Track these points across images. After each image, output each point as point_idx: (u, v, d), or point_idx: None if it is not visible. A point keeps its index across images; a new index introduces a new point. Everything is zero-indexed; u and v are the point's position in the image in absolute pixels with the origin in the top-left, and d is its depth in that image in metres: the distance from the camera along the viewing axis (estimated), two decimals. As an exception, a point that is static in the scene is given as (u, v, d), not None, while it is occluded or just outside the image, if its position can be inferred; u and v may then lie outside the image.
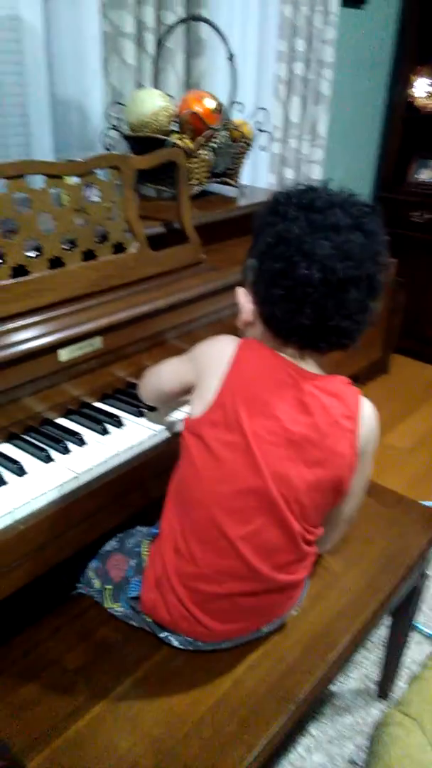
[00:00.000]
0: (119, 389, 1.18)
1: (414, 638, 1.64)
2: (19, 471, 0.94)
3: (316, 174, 2.53)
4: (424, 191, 2.94)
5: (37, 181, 1.03)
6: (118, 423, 1.08)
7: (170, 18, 1.68)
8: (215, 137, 1.50)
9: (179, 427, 1.11)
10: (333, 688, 1.50)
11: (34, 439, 1.02)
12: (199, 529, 0.89)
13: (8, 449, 1.00)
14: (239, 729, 0.87)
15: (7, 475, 0.93)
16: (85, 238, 1.10)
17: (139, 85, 1.70)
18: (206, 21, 1.58)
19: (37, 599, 1.06)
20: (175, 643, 0.97)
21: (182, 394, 1.04)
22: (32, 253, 1.03)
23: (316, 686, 0.95)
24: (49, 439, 1.02)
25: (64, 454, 0.99)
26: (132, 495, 1.04)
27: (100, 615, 1.03)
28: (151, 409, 1.12)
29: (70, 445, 1.01)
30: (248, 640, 0.99)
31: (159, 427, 1.09)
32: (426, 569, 1.28)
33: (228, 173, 1.63)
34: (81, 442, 1.02)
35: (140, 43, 1.66)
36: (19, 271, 1.01)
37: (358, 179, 3.07)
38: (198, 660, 0.96)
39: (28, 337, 0.98)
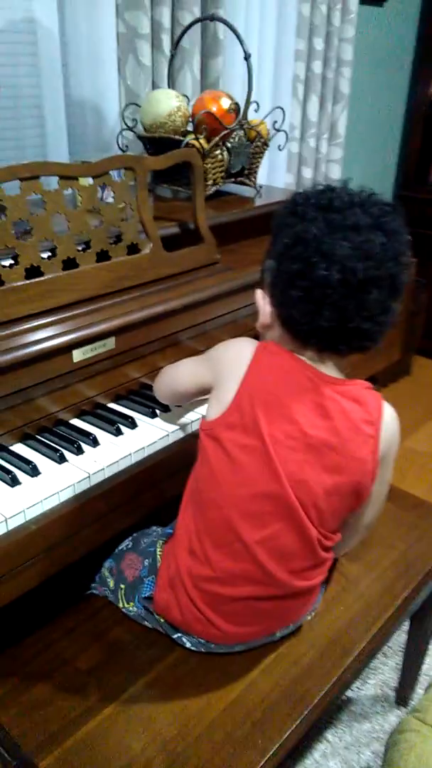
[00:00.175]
0: (133, 390, 1.18)
1: (433, 644, 1.61)
2: (33, 471, 0.94)
3: (335, 173, 2.51)
4: (446, 189, 2.90)
5: (52, 183, 1.04)
6: (131, 424, 1.08)
7: (186, 18, 1.68)
8: (231, 137, 1.50)
9: (193, 428, 1.11)
10: (350, 694, 1.48)
11: (48, 439, 1.02)
12: (215, 531, 0.88)
13: (22, 449, 1.00)
14: (252, 732, 0.86)
15: (21, 476, 0.94)
16: (99, 239, 1.10)
17: (155, 86, 1.70)
18: (222, 21, 1.57)
19: (51, 599, 1.06)
20: (188, 645, 0.97)
21: (197, 395, 1.03)
22: (46, 254, 1.04)
23: (331, 691, 0.94)
24: (62, 439, 1.02)
25: (77, 454, 0.99)
26: (145, 495, 1.03)
27: (113, 616, 1.03)
28: (165, 408, 1.12)
29: (84, 446, 1.01)
30: (262, 644, 0.98)
31: (172, 428, 1.08)
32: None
33: (244, 173, 1.62)
34: (94, 442, 1.02)
35: (156, 43, 1.66)
36: (33, 272, 1.01)
37: (378, 178, 3.04)
38: (211, 662, 0.96)
39: (42, 337, 0.99)
